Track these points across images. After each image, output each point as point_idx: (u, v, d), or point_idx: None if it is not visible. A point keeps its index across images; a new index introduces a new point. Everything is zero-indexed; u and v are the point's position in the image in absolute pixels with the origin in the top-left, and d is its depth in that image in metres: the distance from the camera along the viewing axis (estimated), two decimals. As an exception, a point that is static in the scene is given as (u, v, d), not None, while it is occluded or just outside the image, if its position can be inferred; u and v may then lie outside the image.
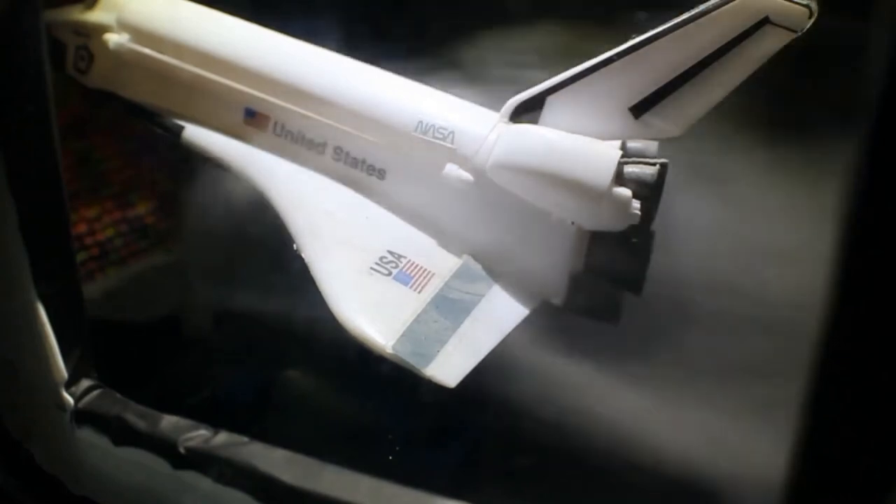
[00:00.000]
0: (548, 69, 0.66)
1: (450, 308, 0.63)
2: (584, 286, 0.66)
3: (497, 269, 0.68)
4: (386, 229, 0.69)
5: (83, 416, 0.65)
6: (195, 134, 0.76)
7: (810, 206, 0.69)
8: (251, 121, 0.75)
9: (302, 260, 0.65)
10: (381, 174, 0.71)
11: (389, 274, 0.64)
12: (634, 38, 0.61)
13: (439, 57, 0.86)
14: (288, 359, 0.83)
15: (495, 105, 0.69)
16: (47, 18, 0.75)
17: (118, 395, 0.67)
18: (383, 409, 0.76)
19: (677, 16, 0.59)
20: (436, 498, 0.56)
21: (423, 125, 0.69)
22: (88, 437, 0.65)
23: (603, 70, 0.62)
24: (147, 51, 0.78)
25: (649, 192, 0.64)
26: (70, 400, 0.66)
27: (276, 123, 0.74)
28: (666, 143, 0.66)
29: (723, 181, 0.75)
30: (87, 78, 0.82)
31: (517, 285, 0.67)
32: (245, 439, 0.60)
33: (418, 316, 0.61)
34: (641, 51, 0.60)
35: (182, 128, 0.76)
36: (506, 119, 0.67)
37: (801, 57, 0.58)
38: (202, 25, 0.78)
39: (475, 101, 0.71)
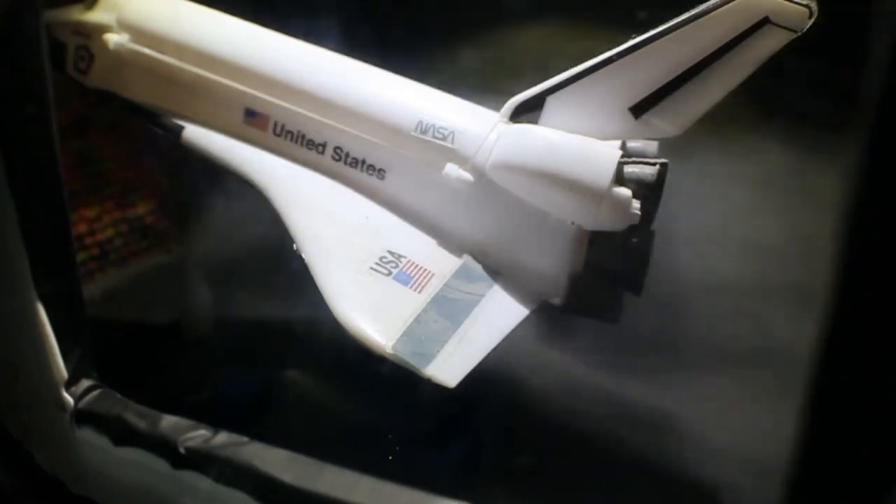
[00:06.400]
0: (547, 69, 0.66)
1: (450, 308, 0.63)
2: (584, 286, 0.66)
3: (497, 270, 0.68)
4: (386, 229, 0.69)
5: (83, 416, 0.65)
6: (195, 134, 0.76)
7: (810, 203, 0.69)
8: (251, 121, 0.75)
9: (302, 260, 0.65)
10: (381, 174, 0.71)
11: (389, 274, 0.64)
12: (634, 38, 0.61)
13: (439, 57, 0.86)
14: (288, 359, 0.83)
15: (495, 105, 0.69)
16: (47, 18, 0.75)
17: (118, 395, 0.67)
18: (383, 409, 0.76)
19: (677, 16, 0.59)
20: (436, 498, 0.56)
21: (423, 125, 0.69)
22: (88, 437, 0.65)
23: (603, 70, 0.62)
24: (147, 51, 0.78)
25: (649, 191, 0.64)
26: (70, 400, 0.66)
27: (276, 123, 0.74)
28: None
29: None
30: (87, 78, 0.82)
31: (517, 285, 0.67)
32: (245, 439, 0.60)
33: (418, 316, 0.61)
34: (641, 51, 0.60)
35: (182, 128, 0.76)
36: (506, 119, 0.67)
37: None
38: (202, 25, 0.78)
39: (475, 102, 0.71)
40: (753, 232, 0.74)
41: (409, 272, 0.65)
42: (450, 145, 0.68)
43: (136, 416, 0.64)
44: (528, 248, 0.67)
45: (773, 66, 0.58)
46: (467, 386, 0.57)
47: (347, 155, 0.72)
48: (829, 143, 0.68)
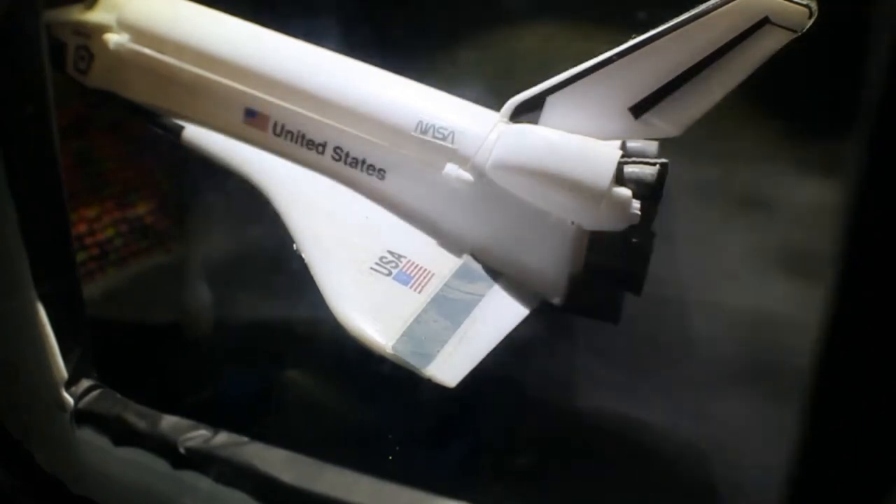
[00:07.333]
0: (547, 69, 0.66)
1: (450, 308, 0.63)
2: (584, 286, 0.66)
3: (497, 269, 0.68)
4: (386, 229, 0.69)
5: (83, 416, 0.65)
6: (195, 134, 0.76)
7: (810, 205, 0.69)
8: (251, 121, 0.75)
9: (302, 260, 0.65)
10: (381, 174, 0.71)
11: (389, 274, 0.64)
12: (634, 38, 0.61)
13: (439, 57, 0.86)
14: (288, 359, 0.83)
15: (495, 105, 0.69)
16: (47, 18, 0.75)
17: (118, 395, 0.67)
18: (383, 409, 0.76)
19: (677, 16, 0.59)
20: (436, 498, 0.56)
21: (423, 125, 0.69)
22: (88, 437, 0.65)
23: (603, 70, 0.62)
24: (147, 51, 0.78)
25: (649, 192, 0.64)
26: (70, 400, 0.66)
27: (276, 123, 0.74)
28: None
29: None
30: (87, 78, 0.82)
31: (517, 285, 0.67)
32: (245, 439, 0.60)
33: (418, 316, 0.61)
34: (641, 51, 0.60)
35: (182, 128, 0.76)
36: (506, 119, 0.67)
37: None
38: (202, 25, 0.78)
39: (475, 102, 0.71)
40: (753, 234, 0.74)
41: (409, 272, 0.65)
42: (450, 145, 0.68)
43: (136, 416, 0.64)
44: (528, 248, 0.67)
45: (773, 66, 0.58)
46: (467, 386, 0.57)
47: (347, 155, 0.72)
48: (828, 144, 0.68)
